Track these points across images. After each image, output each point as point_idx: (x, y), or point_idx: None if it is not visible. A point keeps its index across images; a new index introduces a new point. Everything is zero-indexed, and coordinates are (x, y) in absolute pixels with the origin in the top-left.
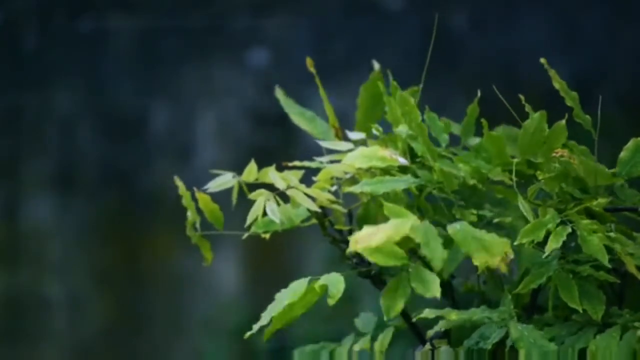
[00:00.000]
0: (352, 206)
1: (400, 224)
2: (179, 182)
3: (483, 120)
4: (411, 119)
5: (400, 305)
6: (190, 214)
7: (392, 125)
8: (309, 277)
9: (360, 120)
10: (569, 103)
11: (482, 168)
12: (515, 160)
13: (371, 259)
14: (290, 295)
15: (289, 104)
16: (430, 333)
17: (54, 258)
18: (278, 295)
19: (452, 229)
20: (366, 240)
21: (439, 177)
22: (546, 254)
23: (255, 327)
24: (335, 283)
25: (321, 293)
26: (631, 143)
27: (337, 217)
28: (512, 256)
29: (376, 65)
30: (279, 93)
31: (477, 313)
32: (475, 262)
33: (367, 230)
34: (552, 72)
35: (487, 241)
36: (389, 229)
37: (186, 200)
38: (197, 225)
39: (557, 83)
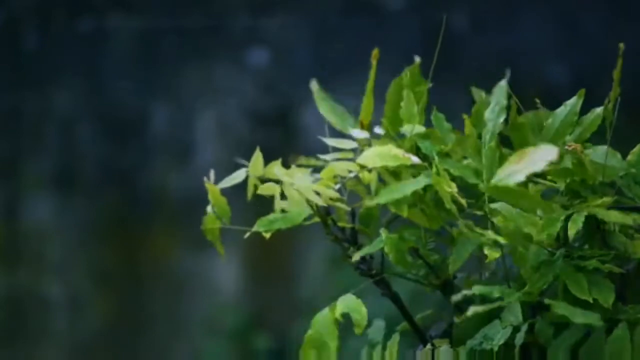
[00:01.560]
0: (355, 204)
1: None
2: (208, 182)
3: (513, 103)
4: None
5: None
6: (211, 210)
7: (404, 121)
8: (327, 309)
9: (389, 115)
10: (612, 96)
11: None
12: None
13: (406, 215)
14: (329, 342)
15: (322, 98)
16: (430, 333)
17: (54, 258)
18: (313, 342)
19: (496, 204)
20: None
21: (483, 166)
22: (571, 239)
23: None
24: (357, 310)
25: (341, 320)
26: (638, 148)
27: (339, 215)
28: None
29: (417, 59)
30: (314, 86)
31: (504, 288)
32: (527, 233)
33: None
34: (619, 61)
35: (532, 217)
36: None
37: (212, 197)
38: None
39: (617, 73)
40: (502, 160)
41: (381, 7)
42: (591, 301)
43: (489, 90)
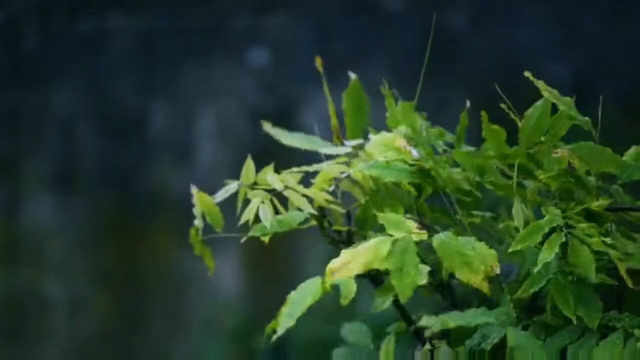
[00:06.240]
0: (351, 207)
1: (379, 246)
2: (199, 192)
3: (482, 113)
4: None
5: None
6: (198, 221)
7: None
8: (318, 277)
9: (350, 126)
10: (562, 108)
11: (484, 164)
12: (515, 148)
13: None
14: (307, 297)
15: (278, 133)
16: (428, 333)
17: (54, 258)
18: (292, 299)
19: (437, 240)
20: (343, 271)
21: (442, 179)
22: (538, 267)
23: (280, 332)
24: (347, 284)
25: (331, 291)
26: (633, 150)
27: (335, 218)
28: (497, 270)
29: (352, 75)
30: (266, 126)
31: (476, 316)
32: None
33: (343, 257)
34: (539, 83)
35: (471, 257)
36: (367, 255)
37: (200, 204)
38: (199, 230)
39: (546, 92)
40: (476, 164)
41: (381, 7)
42: (574, 320)
43: (488, 90)
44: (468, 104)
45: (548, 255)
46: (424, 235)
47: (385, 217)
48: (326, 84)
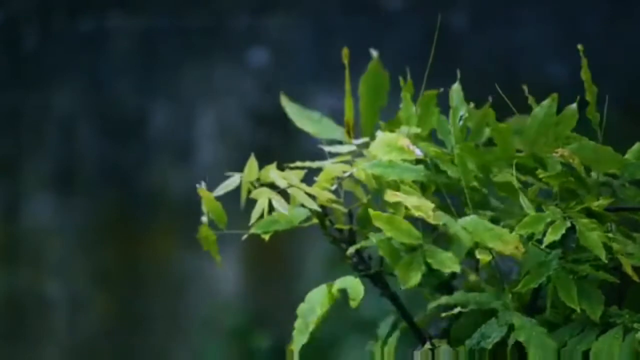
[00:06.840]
0: (353, 206)
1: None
2: (202, 188)
3: (490, 111)
4: (432, 120)
5: (416, 278)
6: (206, 219)
7: (402, 122)
8: (324, 285)
9: (364, 113)
10: (588, 97)
11: (489, 163)
12: (521, 154)
13: (387, 233)
14: (317, 307)
15: (294, 109)
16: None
17: (54, 258)
18: (302, 311)
19: (464, 220)
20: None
21: (459, 172)
22: (545, 244)
23: (297, 350)
24: (354, 286)
25: (338, 297)
26: (636, 147)
27: (337, 217)
28: (522, 250)
29: (374, 53)
30: (284, 99)
31: (483, 296)
32: (491, 248)
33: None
34: (583, 61)
35: (500, 230)
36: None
37: (206, 203)
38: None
39: (585, 74)
40: (483, 161)
41: (381, 7)
42: (579, 311)
43: (488, 90)
44: (490, 99)
45: (553, 237)
46: (439, 219)
47: (378, 215)
48: (348, 73)
